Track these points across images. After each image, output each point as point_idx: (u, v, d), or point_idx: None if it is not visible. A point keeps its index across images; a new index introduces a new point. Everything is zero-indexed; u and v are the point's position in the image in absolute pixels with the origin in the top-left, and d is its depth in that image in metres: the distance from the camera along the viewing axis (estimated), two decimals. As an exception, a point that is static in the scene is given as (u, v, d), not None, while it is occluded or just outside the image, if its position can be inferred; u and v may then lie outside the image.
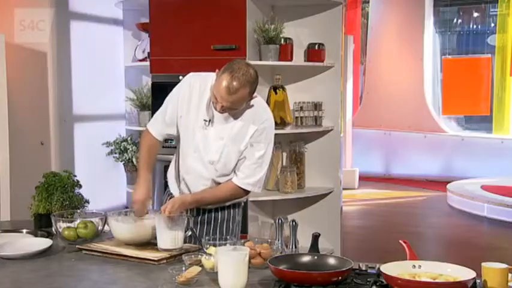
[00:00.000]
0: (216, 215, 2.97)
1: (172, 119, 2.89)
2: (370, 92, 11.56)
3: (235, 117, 2.79)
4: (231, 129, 2.79)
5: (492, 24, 11.23)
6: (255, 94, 2.75)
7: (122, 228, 2.67)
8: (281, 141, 4.86)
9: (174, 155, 3.03)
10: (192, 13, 4.58)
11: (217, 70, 2.72)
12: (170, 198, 2.95)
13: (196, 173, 2.87)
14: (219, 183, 2.88)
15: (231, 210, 3.02)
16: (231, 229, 3.01)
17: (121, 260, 2.51)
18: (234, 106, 2.68)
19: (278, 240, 2.58)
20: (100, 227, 2.82)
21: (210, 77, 2.81)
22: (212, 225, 2.97)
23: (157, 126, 2.95)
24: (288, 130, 4.75)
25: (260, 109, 2.84)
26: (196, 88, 2.84)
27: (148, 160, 2.95)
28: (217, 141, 2.81)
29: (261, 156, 2.83)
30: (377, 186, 10.23)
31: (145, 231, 2.66)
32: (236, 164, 2.84)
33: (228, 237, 2.69)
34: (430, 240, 7.15)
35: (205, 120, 2.81)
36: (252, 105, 2.79)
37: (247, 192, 2.90)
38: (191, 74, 2.92)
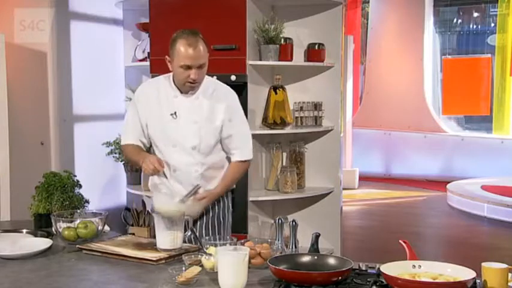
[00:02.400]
0: (212, 205, 3.08)
1: (137, 129, 3.06)
2: (370, 92, 11.56)
3: (197, 96, 2.98)
4: (200, 110, 2.98)
5: (492, 24, 11.23)
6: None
7: (168, 202, 2.76)
8: (281, 141, 4.86)
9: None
10: (192, 13, 4.58)
11: (166, 56, 2.97)
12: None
13: (183, 164, 2.99)
14: (207, 164, 3.02)
15: (224, 199, 3.15)
16: (227, 217, 3.15)
17: (121, 260, 2.52)
18: (204, 59, 2.90)
19: (278, 240, 2.58)
20: (100, 227, 2.83)
21: (155, 80, 3.13)
22: (209, 216, 3.08)
23: (133, 135, 3.08)
24: (288, 130, 4.75)
25: (218, 86, 3.09)
26: (148, 94, 3.06)
27: (140, 151, 3.06)
28: (191, 125, 2.98)
29: (243, 125, 3.11)
30: (377, 186, 10.24)
31: (191, 208, 2.82)
32: (217, 142, 3.02)
33: (224, 228, 2.94)
34: (430, 240, 7.15)
35: (171, 114, 2.98)
36: (209, 84, 3.03)
37: (249, 162, 3.15)
38: (141, 85, 3.21)
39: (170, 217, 2.61)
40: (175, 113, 2.98)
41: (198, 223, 3.04)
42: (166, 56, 2.97)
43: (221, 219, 3.13)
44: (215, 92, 3.04)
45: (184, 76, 2.90)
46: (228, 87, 3.13)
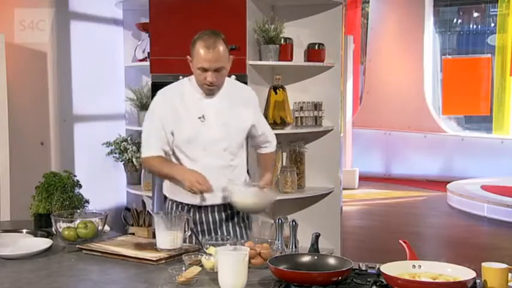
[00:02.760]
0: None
1: (161, 140, 2.96)
2: (370, 92, 11.56)
3: (222, 97, 2.95)
4: (228, 111, 2.97)
5: (492, 24, 11.23)
6: (230, 64, 2.93)
7: (246, 192, 2.86)
8: (281, 141, 4.86)
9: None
10: (192, 13, 4.58)
11: (188, 56, 2.92)
12: (182, 208, 3.01)
13: (214, 167, 2.93)
14: (235, 166, 3.02)
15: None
16: (250, 218, 3.18)
17: (121, 260, 2.51)
18: (222, 63, 2.83)
19: (278, 240, 2.58)
20: (100, 227, 2.82)
21: (178, 84, 3.06)
22: (235, 219, 3.09)
23: (157, 145, 2.97)
24: (288, 130, 4.75)
25: (239, 85, 3.14)
26: (172, 99, 2.97)
27: (172, 163, 2.99)
28: (220, 127, 2.94)
29: (265, 122, 3.25)
30: (377, 186, 10.24)
31: (269, 195, 2.91)
32: (244, 141, 3.07)
33: (248, 229, 2.99)
34: (430, 240, 7.15)
35: (199, 118, 2.92)
36: (232, 84, 3.05)
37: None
38: (158, 92, 3.07)
39: (257, 210, 2.84)
40: (203, 116, 2.92)
41: (224, 225, 3.03)
42: (188, 56, 2.93)
43: (246, 219, 3.13)
44: (239, 92, 3.06)
45: (202, 78, 2.86)
46: (248, 87, 3.21)
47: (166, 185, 3.12)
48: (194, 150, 2.94)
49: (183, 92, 2.98)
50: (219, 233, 2.98)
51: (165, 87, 3.06)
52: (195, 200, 2.96)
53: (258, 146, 3.23)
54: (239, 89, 3.09)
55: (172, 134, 2.94)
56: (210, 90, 2.90)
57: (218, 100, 2.95)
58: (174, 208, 3.05)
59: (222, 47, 2.84)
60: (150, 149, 3.00)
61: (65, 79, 4.92)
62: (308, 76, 4.94)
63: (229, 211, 3.02)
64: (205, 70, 2.83)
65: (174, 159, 3.00)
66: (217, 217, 3.02)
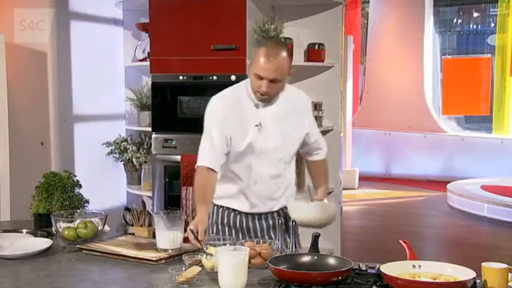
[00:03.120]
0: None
1: (222, 146, 2.80)
2: (370, 92, 11.56)
3: (280, 105, 2.84)
4: (285, 119, 2.86)
5: (492, 24, 11.23)
6: (288, 76, 2.82)
7: (307, 208, 2.70)
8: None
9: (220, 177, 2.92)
10: (192, 13, 4.58)
11: (248, 60, 2.81)
12: (229, 214, 2.95)
13: (267, 176, 2.87)
14: (286, 175, 2.94)
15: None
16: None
17: (121, 260, 2.51)
18: (279, 74, 2.71)
19: (278, 240, 2.58)
20: (100, 227, 2.83)
21: (235, 89, 2.91)
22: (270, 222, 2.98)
23: (212, 157, 2.80)
24: (288, 130, 4.74)
25: (294, 90, 2.98)
26: (230, 104, 2.84)
27: (204, 197, 2.77)
28: (277, 136, 2.85)
29: (316, 126, 3.13)
30: (377, 186, 10.23)
31: (330, 208, 2.77)
32: (297, 150, 2.96)
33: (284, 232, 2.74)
34: (430, 240, 7.15)
35: (256, 125, 2.82)
36: (288, 90, 2.90)
37: None
38: (214, 98, 2.90)
39: (320, 226, 2.69)
40: (260, 123, 2.82)
41: (272, 233, 2.91)
42: (248, 60, 2.85)
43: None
44: (294, 99, 2.94)
45: (256, 85, 2.75)
46: (301, 90, 3.06)
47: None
48: (249, 158, 2.84)
49: (240, 97, 2.86)
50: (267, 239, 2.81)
51: (222, 93, 2.91)
52: (244, 207, 2.91)
53: (309, 154, 3.09)
54: (295, 96, 2.96)
55: (231, 140, 2.82)
56: (262, 99, 2.79)
57: (275, 108, 2.85)
58: (220, 213, 2.98)
59: (283, 59, 2.72)
60: (204, 159, 2.81)
61: (65, 79, 4.92)
62: (308, 76, 4.93)
63: (278, 219, 2.83)
64: (260, 78, 2.71)
65: (227, 172, 2.88)
66: (264, 224, 2.95)
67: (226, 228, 2.96)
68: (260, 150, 2.83)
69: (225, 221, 2.97)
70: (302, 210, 2.73)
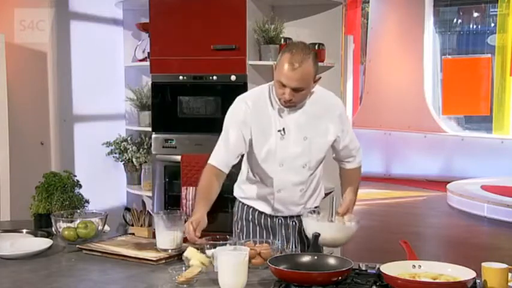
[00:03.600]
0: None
1: (238, 147, 2.75)
2: (370, 92, 11.56)
3: (305, 109, 2.73)
4: (310, 125, 2.74)
5: (492, 24, 11.24)
6: (315, 84, 2.71)
7: (323, 227, 2.55)
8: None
9: (241, 176, 2.93)
10: (192, 13, 4.58)
11: (273, 64, 2.68)
12: (253, 212, 2.90)
13: (290, 183, 2.78)
14: (312, 182, 2.86)
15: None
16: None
17: (121, 260, 2.51)
18: (303, 84, 2.59)
19: (278, 240, 2.58)
20: (100, 227, 2.83)
21: (260, 91, 2.80)
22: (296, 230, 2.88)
23: (222, 157, 2.75)
24: (288, 130, 4.74)
25: (324, 94, 2.85)
26: (254, 106, 2.74)
27: (206, 196, 2.71)
28: (301, 142, 2.74)
29: (352, 133, 2.92)
30: (377, 186, 10.24)
31: (349, 229, 2.65)
32: (325, 156, 2.84)
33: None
34: (430, 240, 7.15)
35: (279, 131, 2.73)
36: (317, 94, 2.78)
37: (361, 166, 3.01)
38: (238, 98, 2.82)
39: (335, 246, 2.61)
40: (283, 129, 2.72)
41: (291, 239, 2.76)
42: (274, 63, 2.68)
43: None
44: (323, 102, 2.80)
45: (280, 92, 2.64)
46: (333, 94, 2.91)
47: (239, 188, 2.97)
48: (271, 165, 2.76)
49: (264, 100, 2.75)
50: (285, 242, 2.77)
51: (246, 94, 2.83)
52: (267, 209, 2.87)
53: (340, 161, 2.97)
54: (324, 99, 2.82)
55: (251, 143, 2.75)
56: (287, 105, 2.68)
57: (300, 113, 2.73)
58: (245, 210, 2.94)
59: (308, 67, 2.58)
60: (214, 158, 2.76)
61: (65, 79, 4.92)
62: (308, 76, 4.92)
63: (293, 223, 2.82)
64: (284, 85, 2.60)
65: (251, 175, 2.85)
66: (283, 228, 2.86)
67: (251, 224, 2.93)
68: (282, 157, 2.74)
69: (250, 217, 2.93)
70: (316, 228, 2.57)
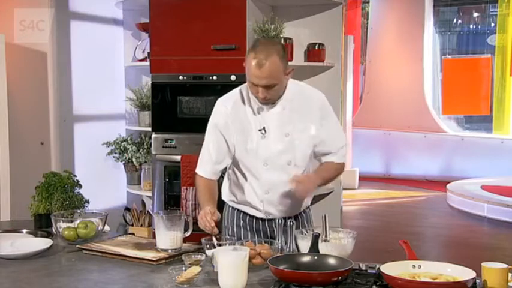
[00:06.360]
0: (295, 217, 2.88)
1: (220, 154, 2.76)
2: (370, 92, 11.56)
3: (285, 105, 2.71)
4: (290, 120, 2.71)
5: (492, 24, 11.23)
6: (288, 76, 2.67)
7: (323, 245, 2.44)
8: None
9: (228, 180, 2.91)
10: (192, 13, 4.58)
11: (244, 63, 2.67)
12: (244, 217, 2.88)
13: (277, 183, 2.74)
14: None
15: (306, 211, 2.99)
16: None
17: (121, 260, 2.51)
18: (273, 80, 2.57)
19: (278, 240, 2.58)
20: (100, 227, 2.83)
21: (237, 93, 2.78)
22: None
23: (207, 167, 2.79)
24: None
25: (304, 89, 2.81)
26: (233, 108, 2.74)
27: (208, 197, 2.73)
28: (283, 139, 2.71)
29: (335, 128, 2.83)
30: (377, 186, 10.24)
31: (347, 249, 2.53)
32: (311, 151, 2.77)
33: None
34: (430, 240, 7.15)
35: (259, 130, 2.71)
36: (294, 89, 2.74)
37: (343, 165, 2.87)
38: (218, 101, 2.81)
39: None
40: (263, 128, 2.70)
41: (290, 239, 2.65)
42: (244, 63, 2.66)
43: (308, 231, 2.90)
44: (302, 97, 2.75)
45: (254, 91, 2.63)
46: (314, 89, 2.85)
47: (227, 191, 2.93)
48: (255, 165, 2.73)
49: (243, 101, 2.74)
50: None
51: (225, 96, 2.81)
52: (259, 213, 2.84)
53: (315, 156, 2.84)
54: (303, 93, 2.77)
55: (235, 146, 2.74)
56: (264, 102, 2.67)
57: (280, 108, 2.71)
58: (236, 215, 2.91)
59: (274, 63, 2.54)
60: (200, 167, 2.81)
61: (65, 79, 4.92)
62: (308, 76, 4.93)
63: (291, 223, 2.72)
64: (255, 85, 2.60)
65: (237, 177, 2.82)
66: (275, 230, 2.79)
67: (242, 230, 2.90)
68: (264, 156, 2.72)
69: (241, 223, 2.90)
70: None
